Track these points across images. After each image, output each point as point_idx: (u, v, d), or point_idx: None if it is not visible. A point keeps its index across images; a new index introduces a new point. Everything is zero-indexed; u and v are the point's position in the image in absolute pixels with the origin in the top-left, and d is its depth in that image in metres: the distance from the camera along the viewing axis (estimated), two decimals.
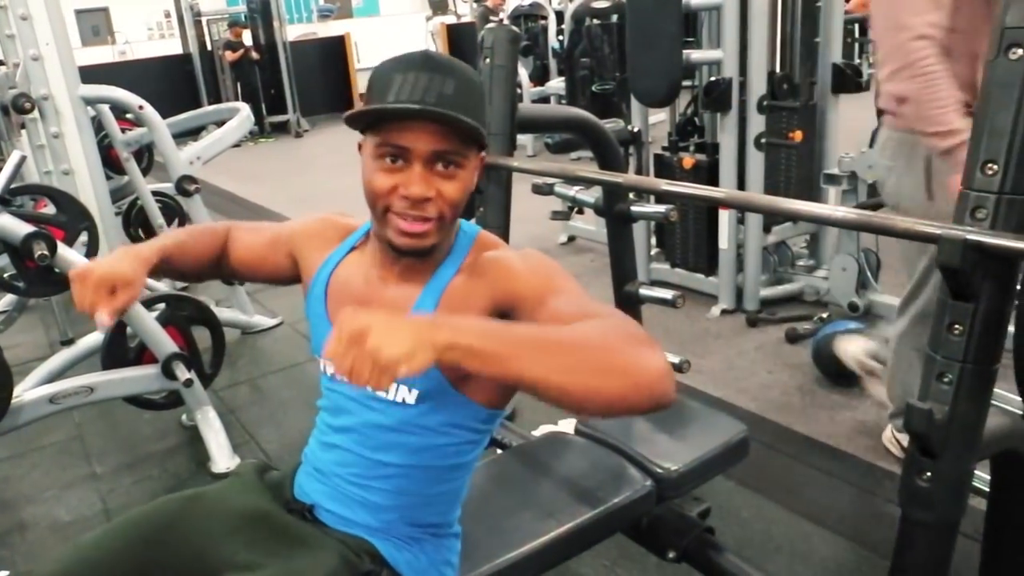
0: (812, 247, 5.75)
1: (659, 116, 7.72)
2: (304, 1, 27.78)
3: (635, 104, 5.69)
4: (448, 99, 1.58)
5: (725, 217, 5.26)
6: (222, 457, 3.96)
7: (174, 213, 6.73)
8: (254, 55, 15.44)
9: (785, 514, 3.34)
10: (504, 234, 3.13)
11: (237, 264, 2.11)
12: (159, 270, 1.93)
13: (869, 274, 4.97)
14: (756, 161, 5.11)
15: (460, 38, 17.66)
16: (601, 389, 1.31)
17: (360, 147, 1.70)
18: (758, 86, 4.99)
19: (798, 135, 5.27)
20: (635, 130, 5.14)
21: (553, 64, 12.28)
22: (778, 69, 5.17)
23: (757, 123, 5.05)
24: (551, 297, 1.57)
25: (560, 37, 11.48)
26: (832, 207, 2.20)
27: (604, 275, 3.52)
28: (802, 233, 5.74)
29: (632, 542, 2.71)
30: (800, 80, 5.28)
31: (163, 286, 5.76)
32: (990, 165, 1.56)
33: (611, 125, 4.02)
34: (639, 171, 5.40)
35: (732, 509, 3.36)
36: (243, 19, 16.16)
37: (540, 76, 12.40)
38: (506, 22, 12.62)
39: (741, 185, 5.16)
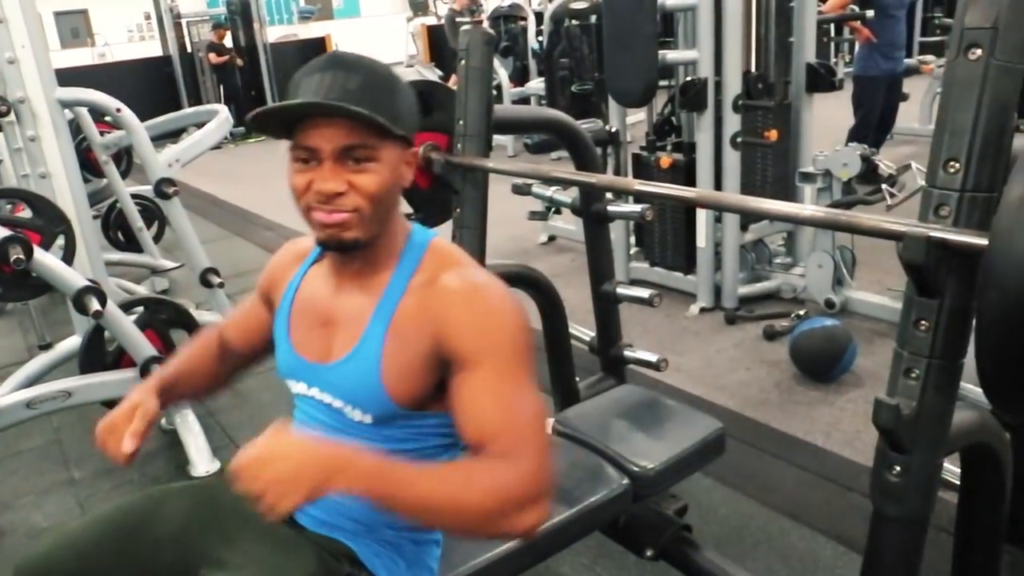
0: (789, 245, 5.78)
1: (638, 116, 7.74)
2: (284, 3, 27.73)
3: (613, 104, 5.71)
4: (351, 94, 1.59)
5: (703, 216, 5.28)
6: (201, 461, 3.95)
7: (153, 216, 6.77)
8: (239, 62, 15.37)
9: (763, 510, 3.36)
10: (481, 235, 3.15)
11: (244, 349, 2.12)
12: (173, 398, 2.03)
13: (845, 271, 5.01)
14: (732, 160, 5.13)
15: (441, 39, 17.58)
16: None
17: None
18: (733, 86, 5.02)
19: (773, 134, 5.30)
20: (613, 130, 5.16)
21: (533, 65, 12.29)
22: (753, 69, 5.20)
23: (733, 122, 5.07)
24: (484, 378, 1.60)
25: (540, 38, 11.51)
26: (800, 206, 2.23)
27: (584, 274, 3.53)
28: (779, 231, 5.77)
29: (611, 540, 2.73)
30: (775, 80, 5.31)
31: (143, 289, 5.77)
32: (952, 163, 1.57)
33: (589, 125, 4.04)
34: (617, 171, 5.42)
35: (710, 506, 3.37)
36: (223, 21, 16.10)
37: (520, 77, 12.42)
38: (486, 23, 12.65)
39: (718, 184, 5.18)
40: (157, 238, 6.97)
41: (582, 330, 3.82)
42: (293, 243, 2.01)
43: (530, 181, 3.74)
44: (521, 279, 3.37)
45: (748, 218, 5.32)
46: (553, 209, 6.64)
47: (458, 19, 13.42)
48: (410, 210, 3.36)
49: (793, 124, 5.47)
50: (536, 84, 11.36)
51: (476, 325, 1.62)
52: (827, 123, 6.18)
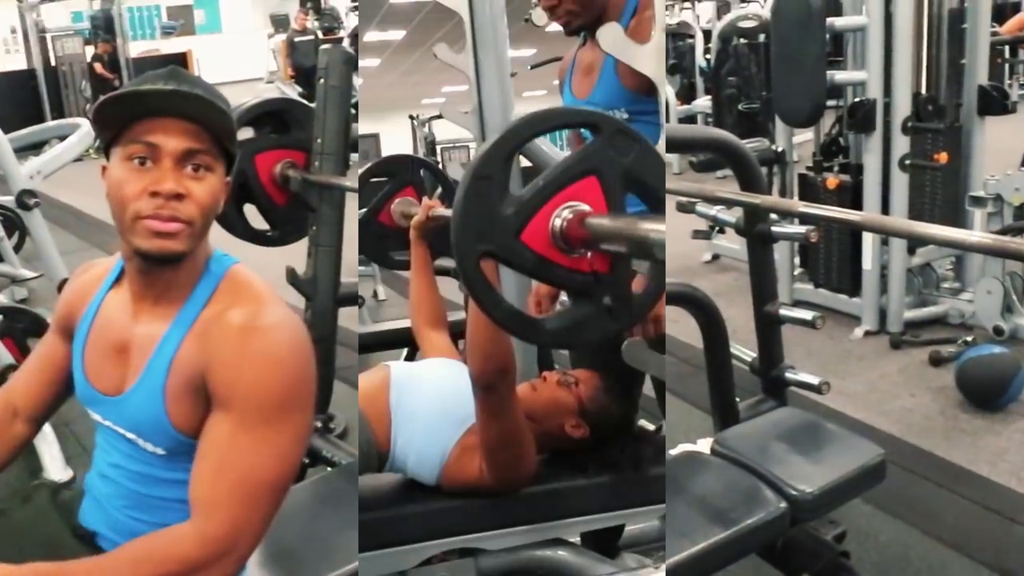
0: (957, 269, 5.64)
1: (805, 135, 7.65)
2: (148, 18, 27.32)
3: (780, 124, 5.68)
4: None
5: (869, 238, 5.21)
6: (55, 469, 3.91)
7: (14, 226, 6.73)
8: (117, 83, 15.10)
9: (924, 540, 3.30)
10: (337, 253, 3.32)
11: (45, 402, 2.02)
12: None
13: (1015, 298, 4.88)
14: (900, 182, 5.06)
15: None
16: None
17: (104, 171, 1.65)
18: (903, 107, 4.95)
19: (943, 157, 5.20)
20: (779, 150, 5.14)
21: (700, 83, 12.23)
22: (923, 90, 5.11)
23: (902, 144, 5.00)
24: (226, 426, 1.57)
25: (707, 56, 11.45)
26: (967, 232, 2.20)
27: (747, 294, 3.53)
28: (947, 255, 5.63)
29: (768, 564, 2.73)
30: (945, 101, 5.21)
31: (1, 298, 5.67)
32: None
33: (755, 145, 4.05)
34: (783, 191, 5.40)
35: (869, 533, 3.34)
36: (87, 35, 16.13)
37: (687, 95, 12.32)
38: (346, 41, 12.69)
39: (885, 206, 5.11)
40: (17, 248, 6.88)
41: (743, 350, 3.80)
42: (87, 268, 1.94)
43: (695, 200, 3.76)
44: (683, 298, 3.39)
45: (915, 241, 5.23)
46: (717, 228, 6.62)
47: (297, 39, 13.49)
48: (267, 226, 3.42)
49: (964, 147, 5.35)
50: (703, 102, 11.27)
51: (236, 367, 1.57)
52: (1000, 146, 6.01)
